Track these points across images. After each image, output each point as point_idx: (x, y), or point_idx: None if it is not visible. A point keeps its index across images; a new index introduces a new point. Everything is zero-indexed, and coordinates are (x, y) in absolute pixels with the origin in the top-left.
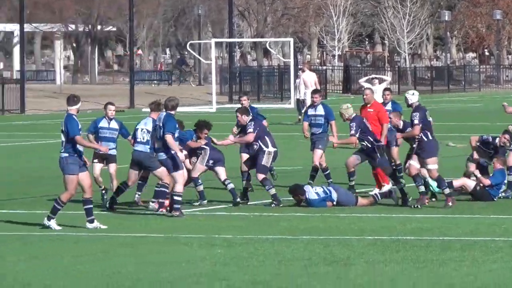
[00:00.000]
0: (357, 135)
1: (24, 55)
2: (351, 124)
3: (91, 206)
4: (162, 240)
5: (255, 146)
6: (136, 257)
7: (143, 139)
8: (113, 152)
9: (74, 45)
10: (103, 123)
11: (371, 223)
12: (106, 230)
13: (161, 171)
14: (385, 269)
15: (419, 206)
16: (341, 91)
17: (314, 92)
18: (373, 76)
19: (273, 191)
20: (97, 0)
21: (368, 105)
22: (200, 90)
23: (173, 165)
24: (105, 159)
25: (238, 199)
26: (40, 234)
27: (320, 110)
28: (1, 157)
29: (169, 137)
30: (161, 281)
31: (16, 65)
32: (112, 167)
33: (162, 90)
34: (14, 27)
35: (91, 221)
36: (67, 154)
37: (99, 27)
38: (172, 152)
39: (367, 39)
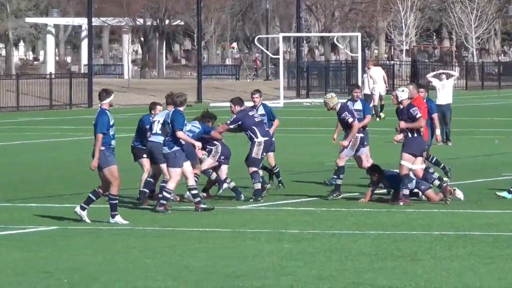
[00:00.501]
0: (356, 121)
1: (92, 49)
2: (343, 115)
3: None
4: (229, 235)
5: (247, 136)
6: (203, 252)
7: (159, 130)
8: None
9: (142, 39)
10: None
11: (437, 218)
12: (173, 224)
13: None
14: (452, 264)
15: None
16: None
17: (356, 86)
18: (441, 71)
19: (258, 186)
20: None
21: (411, 100)
22: (267, 85)
23: (174, 161)
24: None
25: (242, 196)
26: (108, 228)
27: (359, 105)
28: (69, 150)
29: (180, 133)
30: (228, 275)
31: (84, 59)
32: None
33: (230, 84)
34: (82, 21)
35: (113, 217)
36: (103, 148)
37: (167, 21)
38: (176, 148)
39: (434, 34)
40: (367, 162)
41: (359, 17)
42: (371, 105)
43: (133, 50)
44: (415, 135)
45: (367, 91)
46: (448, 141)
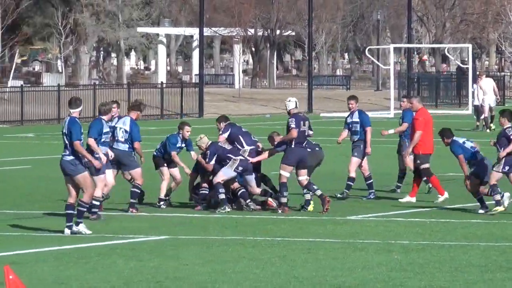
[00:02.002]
0: (211, 162)
1: (203, 59)
2: (207, 152)
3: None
4: (339, 245)
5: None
6: (312, 262)
7: (122, 138)
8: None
9: (253, 49)
10: (179, 144)
11: None
12: (283, 234)
13: (137, 171)
14: None
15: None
16: None
17: (350, 98)
18: None
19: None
20: (276, 4)
21: (415, 112)
22: (378, 96)
23: (95, 169)
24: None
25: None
26: (218, 238)
27: (356, 117)
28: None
29: (90, 140)
30: (337, 286)
31: (195, 69)
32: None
33: (341, 94)
34: (194, 31)
35: (77, 224)
36: (73, 157)
37: (278, 32)
38: (96, 155)
39: None
40: (352, 170)
41: (470, 28)
42: (482, 116)
43: (244, 60)
44: (292, 146)
45: (477, 102)
46: None
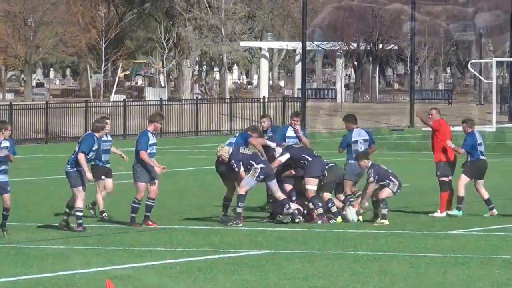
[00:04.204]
0: (242, 170)
1: (305, 73)
2: (232, 162)
3: None
4: (440, 260)
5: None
6: (413, 277)
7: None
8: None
9: (355, 63)
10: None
11: None
12: (385, 248)
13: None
14: None
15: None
16: None
17: (295, 114)
18: None
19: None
20: (379, 18)
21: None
22: (480, 110)
23: (76, 181)
24: (106, 173)
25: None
26: (320, 252)
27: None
28: None
29: (80, 156)
30: None
31: (298, 83)
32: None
33: (443, 109)
34: (296, 45)
35: None
36: None
37: (380, 46)
38: (78, 169)
39: None
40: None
41: None
42: None
43: (347, 74)
44: (310, 159)
45: None
46: None
